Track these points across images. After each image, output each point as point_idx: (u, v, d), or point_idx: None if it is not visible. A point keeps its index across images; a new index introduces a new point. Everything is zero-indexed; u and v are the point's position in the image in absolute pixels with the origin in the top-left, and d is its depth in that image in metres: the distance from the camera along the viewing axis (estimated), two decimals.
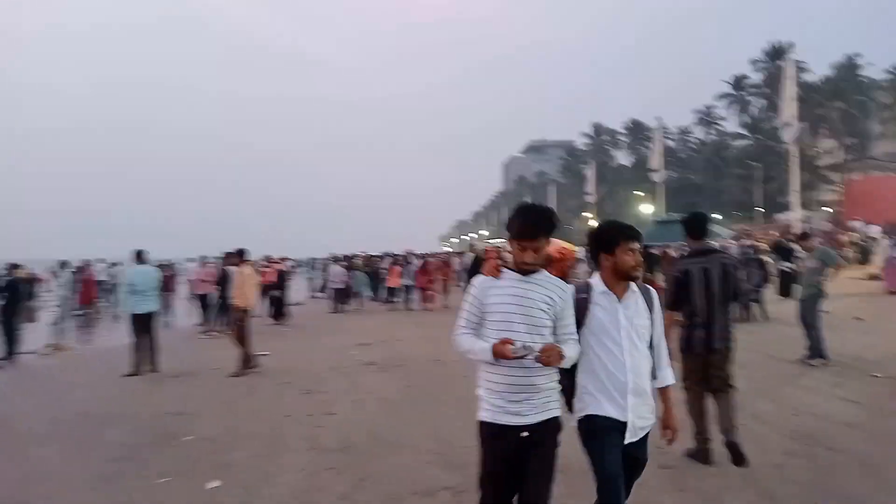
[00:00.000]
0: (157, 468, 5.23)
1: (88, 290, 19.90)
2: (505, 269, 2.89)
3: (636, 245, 3.00)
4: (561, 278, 2.93)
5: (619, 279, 3.00)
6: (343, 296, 19.95)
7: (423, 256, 24.77)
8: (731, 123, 63.51)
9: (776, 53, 54.49)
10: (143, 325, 9.73)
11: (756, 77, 59.32)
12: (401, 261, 21.64)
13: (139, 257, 10.09)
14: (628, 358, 2.93)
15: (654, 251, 13.60)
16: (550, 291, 2.85)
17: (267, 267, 17.81)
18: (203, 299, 15.42)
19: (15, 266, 12.43)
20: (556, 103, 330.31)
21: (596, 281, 3.05)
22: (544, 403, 2.82)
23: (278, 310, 16.99)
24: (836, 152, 52.89)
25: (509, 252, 2.92)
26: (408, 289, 20.11)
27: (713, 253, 5.16)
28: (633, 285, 3.04)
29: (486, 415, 2.85)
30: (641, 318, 3.01)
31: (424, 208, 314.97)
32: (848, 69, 54.58)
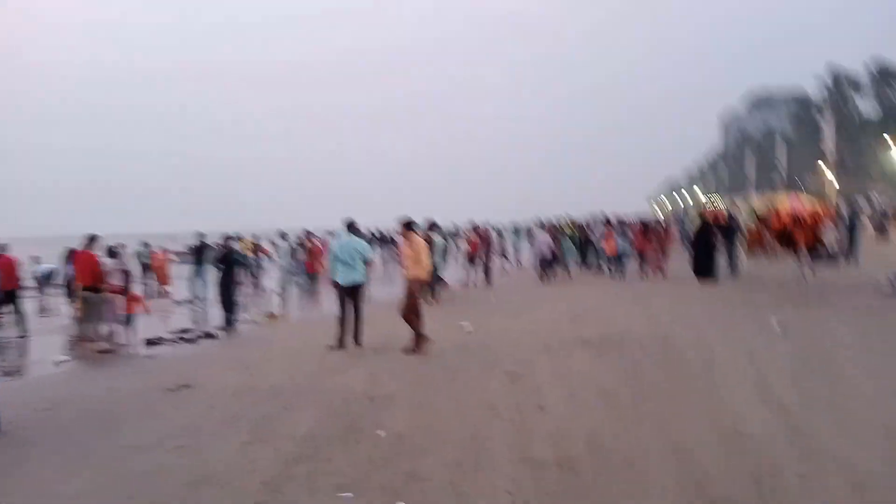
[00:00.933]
0: (337, 475, 4.43)
1: (315, 259, 20.78)
2: None
3: None
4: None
5: None
6: (550, 264, 18.82)
7: (637, 222, 22.78)
8: None
9: None
10: (349, 296, 9.46)
11: None
12: (615, 225, 19.89)
13: (349, 228, 9.83)
14: None
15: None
16: None
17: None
18: None
19: (230, 238, 12.94)
20: (779, 44, 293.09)
21: None
22: None
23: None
24: None
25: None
26: (621, 257, 18.41)
27: None
28: None
29: None
30: None
31: (629, 164, 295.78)
32: None
